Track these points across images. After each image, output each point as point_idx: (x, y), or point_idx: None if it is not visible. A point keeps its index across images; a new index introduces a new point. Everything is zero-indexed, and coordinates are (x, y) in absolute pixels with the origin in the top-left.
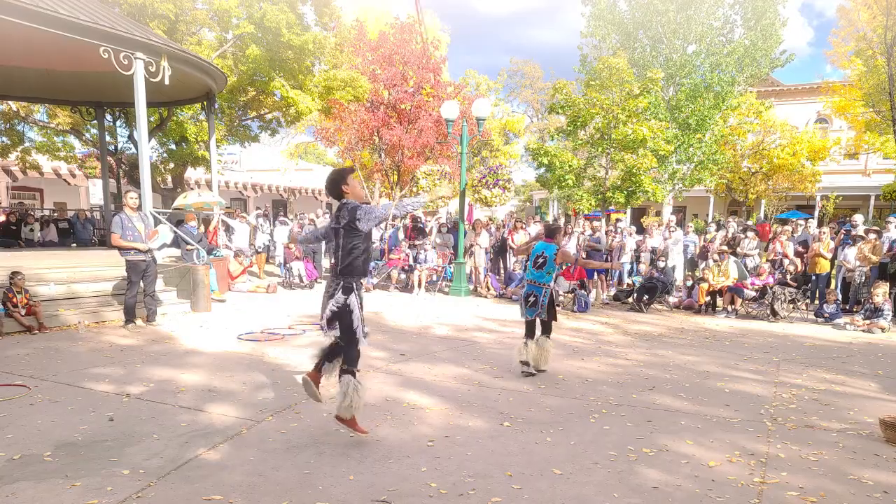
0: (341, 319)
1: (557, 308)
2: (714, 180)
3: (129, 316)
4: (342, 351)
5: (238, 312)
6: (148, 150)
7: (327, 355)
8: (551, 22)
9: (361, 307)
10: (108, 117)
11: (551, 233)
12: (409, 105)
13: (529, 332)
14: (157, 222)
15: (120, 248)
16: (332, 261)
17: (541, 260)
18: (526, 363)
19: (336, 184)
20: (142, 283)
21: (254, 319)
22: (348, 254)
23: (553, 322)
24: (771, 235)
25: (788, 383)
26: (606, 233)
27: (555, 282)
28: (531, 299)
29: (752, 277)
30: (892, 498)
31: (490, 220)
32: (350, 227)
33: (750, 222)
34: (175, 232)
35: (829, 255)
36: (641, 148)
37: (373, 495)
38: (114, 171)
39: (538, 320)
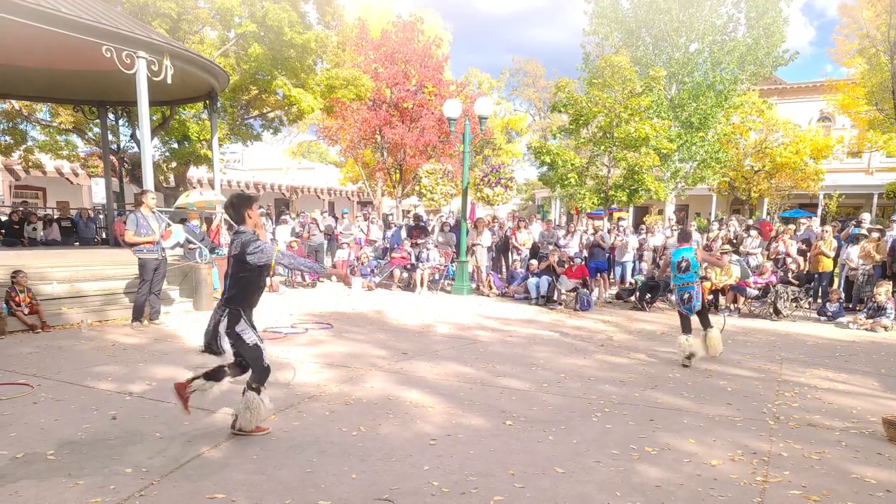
0: (237, 345)
1: (560, 307)
2: (717, 179)
3: (137, 314)
4: (229, 374)
5: None
6: (150, 149)
7: (208, 374)
8: (553, 21)
9: (254, 328)
10: (111, 116)
11: (686, 237)
12: (412, 103)
13: (687, 329)
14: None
15: (133, 245)
16: (222, 287)
17: (684, 264)
18: (690, 356)
19: (239, 208)
20: None
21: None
22: (236, 283)
23: (708, 313)
24: (773, 234)
25: (791, 382)
26: (609, 231)
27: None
28: (685, 297)
29: (754, 276)
30: (895, 497)
31: (494, 219)
32: (241, 259)
33: (751, 221)
34: (186, 232)
35: (832, 254)
36: (644, 146)
37: (375, 494)
38: (116, 170)
39: (695, 316)
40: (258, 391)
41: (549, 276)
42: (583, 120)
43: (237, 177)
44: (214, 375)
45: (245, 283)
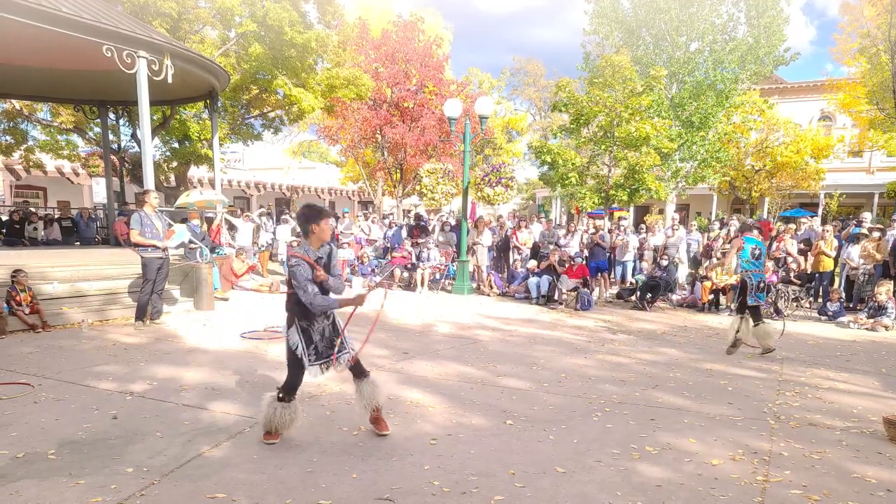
0: (288, 348)
1: (561, 306)
2: (717, 178)
3: (140, 314)
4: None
5: (241, 311)
6: (151, 149)
7: (355, 379)
8: (553, 20)
9: (306, 340)
10: (112, 116)
11: (748, 228)
12: (412, 103)
13: (742, 310)
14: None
15: (138, 245)
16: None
17: (757, 251)
18: (739, 331)
19: (306, 222)
20: None
21: (256, 318)
22: (289, 297)
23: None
24: (773, 234)
25: (791, 381)
26: (610, 231)
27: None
28: (760, 284)
29: None
30: (895, 497)
31: (498, 218)
32: (288, 277)
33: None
34: (189, 231)
35: (833, 254)
36: (644, 146)
37: (375, 493)
38: (117, 170)
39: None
40: (278, 398)
41: (549, 276)
42: (583, 119)
43: (238, 176)
44: (358, 374)
45: (295, 300)
